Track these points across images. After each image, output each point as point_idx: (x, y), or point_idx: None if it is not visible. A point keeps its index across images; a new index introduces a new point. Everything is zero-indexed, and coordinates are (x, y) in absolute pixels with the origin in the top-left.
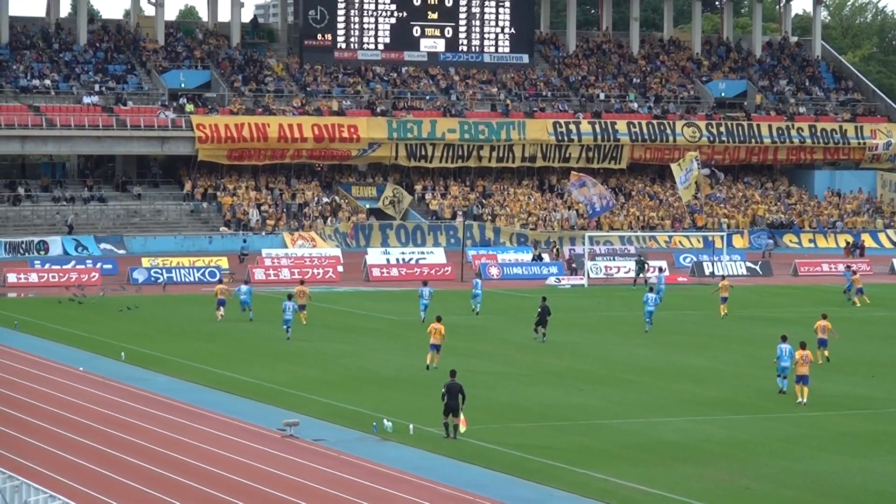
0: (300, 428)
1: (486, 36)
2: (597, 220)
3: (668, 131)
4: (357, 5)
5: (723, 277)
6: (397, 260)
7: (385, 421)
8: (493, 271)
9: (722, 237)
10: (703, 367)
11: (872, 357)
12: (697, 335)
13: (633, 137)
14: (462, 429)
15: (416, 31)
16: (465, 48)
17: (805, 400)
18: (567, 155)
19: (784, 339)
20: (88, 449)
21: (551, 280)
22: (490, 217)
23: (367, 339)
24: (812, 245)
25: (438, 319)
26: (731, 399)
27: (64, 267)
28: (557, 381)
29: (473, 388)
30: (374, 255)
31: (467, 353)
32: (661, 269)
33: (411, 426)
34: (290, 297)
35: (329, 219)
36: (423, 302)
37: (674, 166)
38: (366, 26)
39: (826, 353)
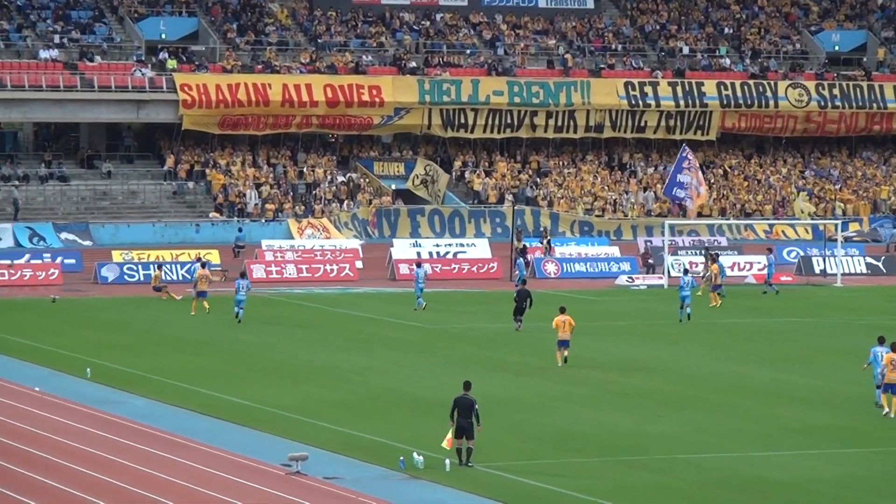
0: (309, 463)
1: None
2: (679, 204)
3: (769, 94)
4: None
5: (713, 260)
6: (430, 254)
7: (415, 455)
8: (550, 268)
9: (836, 226)
10: (814, 387)
11: None
12: (806, 348)
13: (725, 102)
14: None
15: None
16: None
17: (893, 413)
18: (642, 123)
19: (881, 341)
20: (45, 489)
21: (622, 279)
22: (546, 201)
23: (393, 352)
24: None
25: (563, 311)
26: (848, 427)
27: (15, 262)
28: (629, 404)
29: (524, 411)
30: (402, 248)
31: (518, 368)
32: (686, 271)
33: (447, 461)
34: (242, 274)
35: (345, 202)
36: (419, 286)
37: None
38: None
39: None
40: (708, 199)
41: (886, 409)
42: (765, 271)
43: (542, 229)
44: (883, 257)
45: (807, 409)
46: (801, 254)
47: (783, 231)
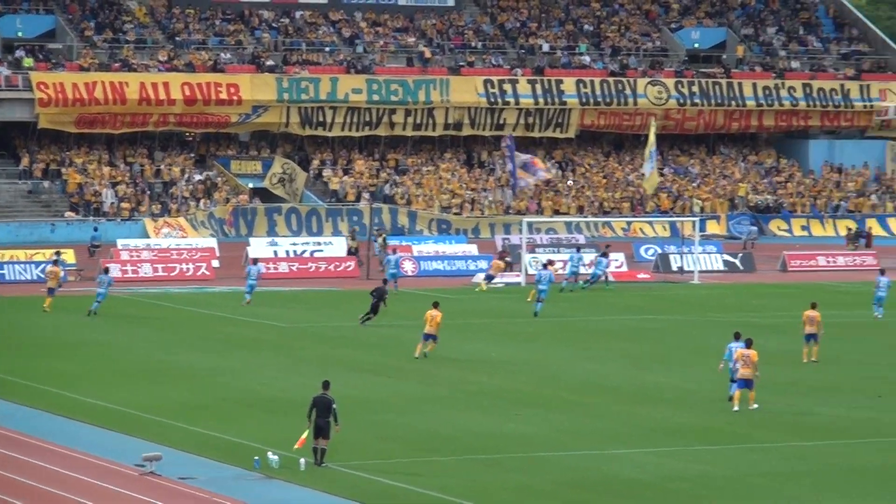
0: (163, 463)
1: None
2: (538, 203)
3: (628, 91)
4: None
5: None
6: (287, 253)
7: (270, 454)
8: (408, 266)
9: (693, 224)
10: (671, 385)
11: (881, 374)
12: (664, 346)
13: (584, 99)
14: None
15: None
16: None
17: (738, 406)
18: (501, 121)
19: (737, 336)
20: None
21: (479, 277)
22: (404, 199)
23: (250, 352)
24: (805, 233)
25: (436, 305)
26: (705, 425)
27: None
28: (488, 404)
29: (381, 411)
30: (259, 247)
31: (375, 368)
32: (545, 266)
33: (302, 461)
34: (106, 270)
35: (202, 201)
36: (250, 282)
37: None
38: None
39: (815, 349)
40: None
41: (736, 407)
42: (623, 268)
43: (375, 228)
44: (740, 254)
45: (664, 407)
46: (659, 251)
47: (641, 228)
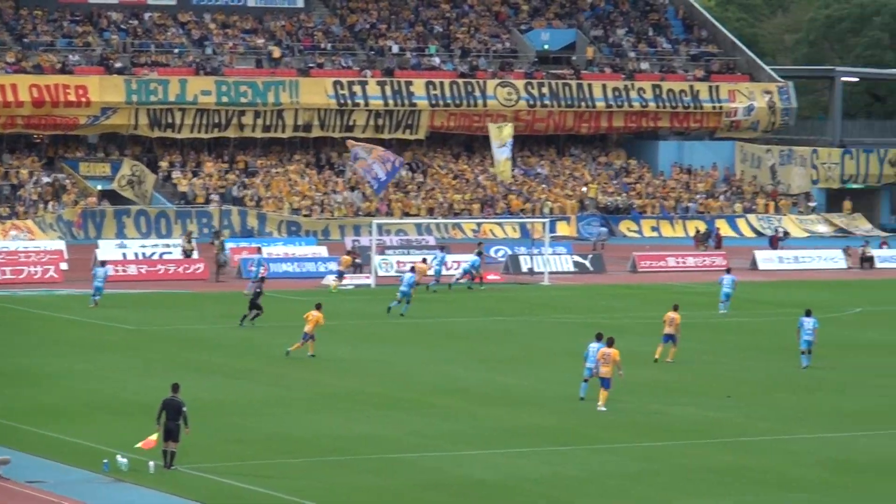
0: (11, 467)
1: None
2: (388, 205)
3: (478, 93)
4: None
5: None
6: (136, 255)
7: (119, 457)
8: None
9: (543, 225)
10: (522, 386)
11: (728, 373)
12: (515, 347)
13: (434, 101)
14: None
15: None
16: None
17: (603, 405)
18: (351, 122)
19: (599, 337)
20: None
21: (330, 279)
22: (254, 201)
23: (99, 354)
24: (655, 234)
25: (318, 307)
26: (557, 426)
27: None
28: (340, 406)
29: (232, 414)
30: (108, 249)
31: (227, 371)
32: (412, 269)
33: (151, 464)
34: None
35: (51, 203)
36: (96, 284)
37: (492, 128)
38: None
39: (672, 350)
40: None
41: (600, 405)
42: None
43: (213, 231)
44: (590, 255)
45: (515, 408)
46: (509, 252)
47: (491, 230)
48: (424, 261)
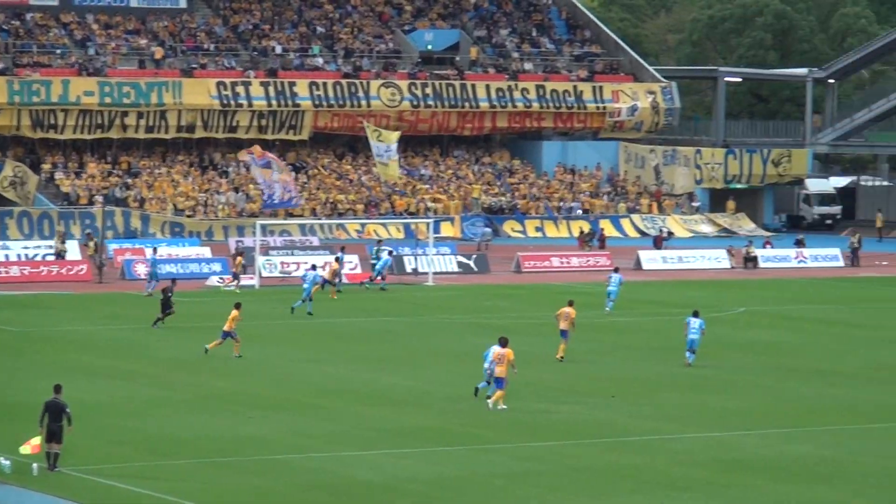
0: None
1: None
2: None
3: (361, 94)
4: None
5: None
6: (19, 256)
7: (1, 459)
8: (141, 269)
9: (427, 225)
10: (406, 387)
11: (613, 373)
12: (399, 348)
13: (317, 101)
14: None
15: None
16: None
17: (493, 405)
18: (234, 123)
19: (501, 341)
20: None
21: (214, 280)
22: (137, 202)
23: None
24: (539, 234)
25: (238, 307)
26: (441, 427)
27: None
28: (223, 407)
29: (114, 415)
30: None
31: (109, 372)
32: (314, 267)
33: (35, 466)
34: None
35: None
36: None
37: (369, 129)
38: None
39: (563, 347)
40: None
41: (502, 405)
42: (357, 270)
43: (86, 231)
44: (474, 256)
45: (400, 409)
46: (394, 253)
47: (375, 230)
48: (338, 259)
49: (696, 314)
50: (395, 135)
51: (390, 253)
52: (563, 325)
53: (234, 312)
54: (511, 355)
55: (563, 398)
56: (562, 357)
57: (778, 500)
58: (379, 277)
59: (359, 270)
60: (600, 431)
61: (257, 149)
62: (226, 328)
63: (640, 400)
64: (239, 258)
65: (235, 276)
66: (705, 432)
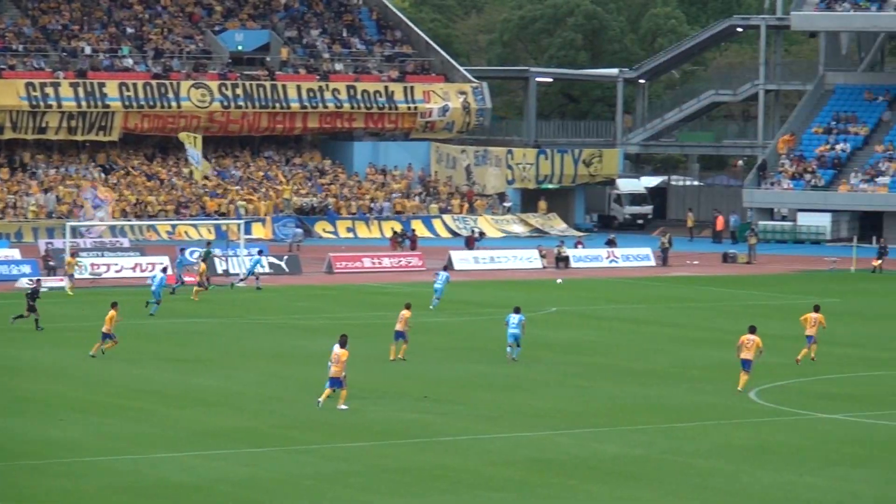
0: None
1: None
2: (81, 206)
3: (171, 94)
4: None
5: (203, 258)
6: None
7: None
8: None
9: (238, 226)
10: (218, 388)
11: (425, 373)
12: (209, 349)
13: (127, 102)
14: None
15: None
16: None
17: (323, 402)
18: (44, 124)
19: (340, 341)
20: None
21: (24, 282)
22: None
23: None
24: (351, 235)
25: (114, 305)
26: (253, 428)
27: None
28: (32, 409)
29: None
30: None
31: None
32: (165, 269)
33: None
34: None
35: None
36: None
37: (184, 136)
38: None
39: (403, 347)
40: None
41: (320, 400)
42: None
43: None
44: (286, 257)
45: (212, 410)
46: (263, 252)
47: (186, 231)
48: (205, 259)
49: (517, 310)
50: (199, 139)
51: (260, 252)
52: (399, 327)
53: (112, 312)
54: (345, 356)
55: (375, 398)
56: (398, 358)
57: (590, 500)
58: (252, 277)
59: (170, 272)
60: (413, 432)
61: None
62: (104, 329)
63: (453, 400)
64: (71, 259)
65: (70, 278)
66: (518, 432)
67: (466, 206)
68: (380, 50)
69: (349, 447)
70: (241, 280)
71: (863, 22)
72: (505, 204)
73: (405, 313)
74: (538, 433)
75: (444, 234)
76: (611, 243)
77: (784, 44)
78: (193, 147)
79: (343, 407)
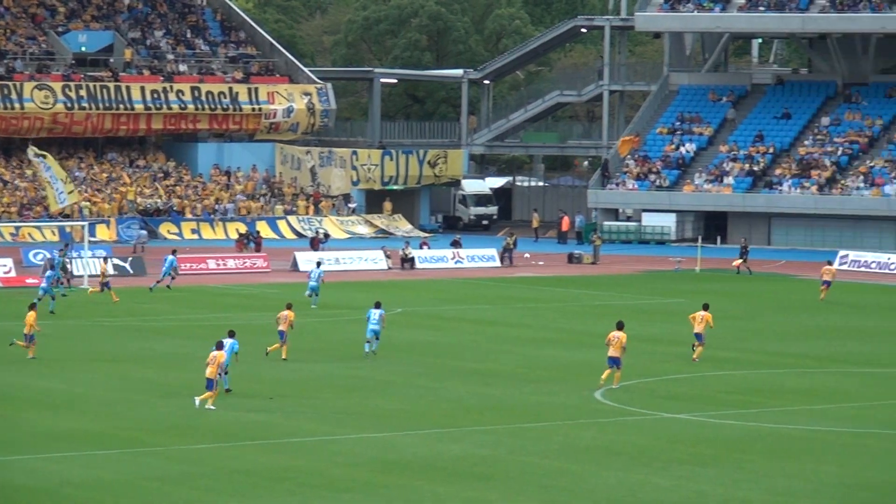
0: None
1: None
2: None
3: (14, 96)
4: None
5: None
6: None
7: None
8: None
9: (83, 228)
10: (61, 391)
11: (270, 375)
12: (55, 351)
13: None
14: None
15: None
16: None
17: (209, 404)
18: None
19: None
20: None
21: None
22: None
23: None
24: (196, 236)
25: (32, 307)
26: (97, 431)
27: None
28: None
29: None
30: None
31: None
32: (52, 267)
33: None
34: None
35: None
36: None
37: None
38: None
39: (285, 347)
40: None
41: (209, 405)
42: (12, 273)
43: None
44: (130, 258)
45: (55, 412)
46: (48, 255)
47: (30, 233)
48: (106, 259)
49: (377, 305)
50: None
51: (174, 252)
52: (281, 327)
53: (31, 314)
54: (222, 357)
55: (221, 400)
56: (283, 357)
57: (436, 500)
58: (168, 277)
59: (13, 274)
60: (259, 433)
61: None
62: (28, 331)
63: (300, 401)
64: None
65: None
66: (365, 433)
67: (312, 207)
68: (224, 51)
69: (195, 449)
70: (158, 283)
71: (706, 23)
72: (350, 205)
73: (288, 314)
74: (384, 434)
75: (290, 235)
76: (456, 244)
77: (629, 45)
78: (56, 176)
79: (210, 407)
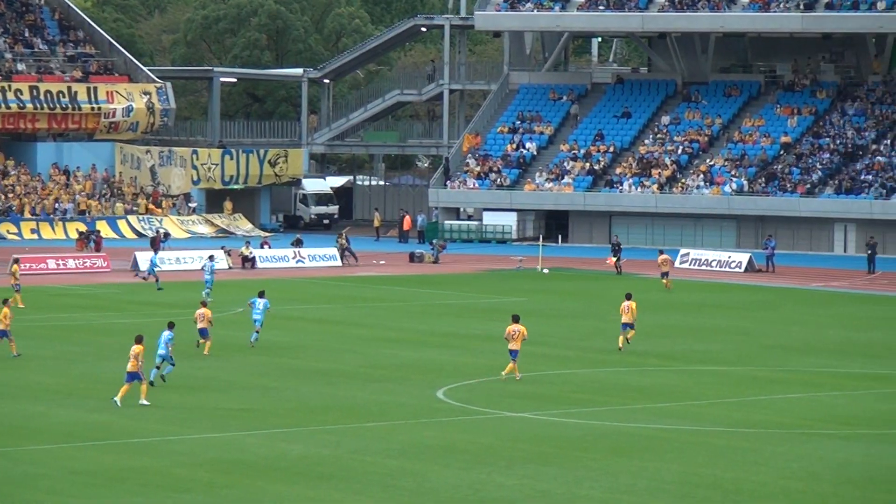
0: None
1: None
2: None
3: None
4: None
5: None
6: None
7: None
8: None
9: None
10: None
11: (111, 375)
12: None
13: None
14: None
15: None
16: None
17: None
18: None
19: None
20: None
21: None
22: None
23: None
24: (35, 236)
25: (5, 302)
26: None
27: None
28: None
29: None
30: None
31: None
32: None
33: None
34: None
35: None
36: None
37: None
38: None
39: (207, 344)
40: None
41: (120, 398)
42: None
43: None
44: None
45: None
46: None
47: None
48: (16, 261)
49: (261, 294)
50: None
51: (156, 251)
52: (200, 325)
53: (5, 310)
54: (140, 351)
55: (61, 400)
56: (205, 352)
57: (278, 500)
58: (153, 276)
59: None
60: (100, 434)
61: None
62: (3, 327)
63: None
64: None
65: None
66: (207, 433)
67: (152, 206)
68: (63, 50)
69: (36, 450)
70: (144, 279)
71: (546, 22)
72: (190, 204)
73: (205, 311)
74: (226, 434)
75: (130, 234)
76: (297, 243)
77: (469, 44)
78: None
79: (144, 402)
